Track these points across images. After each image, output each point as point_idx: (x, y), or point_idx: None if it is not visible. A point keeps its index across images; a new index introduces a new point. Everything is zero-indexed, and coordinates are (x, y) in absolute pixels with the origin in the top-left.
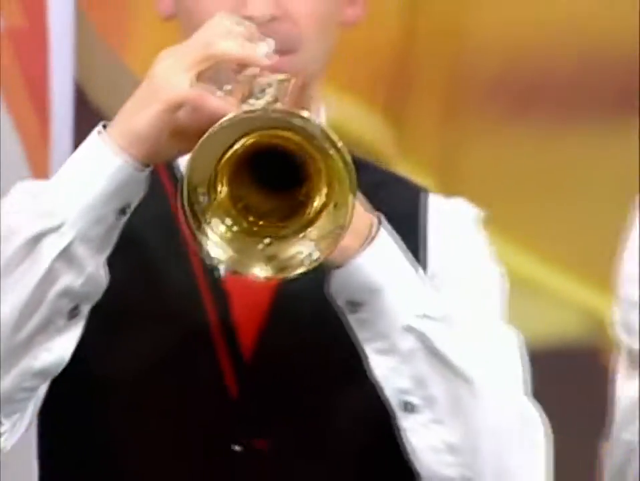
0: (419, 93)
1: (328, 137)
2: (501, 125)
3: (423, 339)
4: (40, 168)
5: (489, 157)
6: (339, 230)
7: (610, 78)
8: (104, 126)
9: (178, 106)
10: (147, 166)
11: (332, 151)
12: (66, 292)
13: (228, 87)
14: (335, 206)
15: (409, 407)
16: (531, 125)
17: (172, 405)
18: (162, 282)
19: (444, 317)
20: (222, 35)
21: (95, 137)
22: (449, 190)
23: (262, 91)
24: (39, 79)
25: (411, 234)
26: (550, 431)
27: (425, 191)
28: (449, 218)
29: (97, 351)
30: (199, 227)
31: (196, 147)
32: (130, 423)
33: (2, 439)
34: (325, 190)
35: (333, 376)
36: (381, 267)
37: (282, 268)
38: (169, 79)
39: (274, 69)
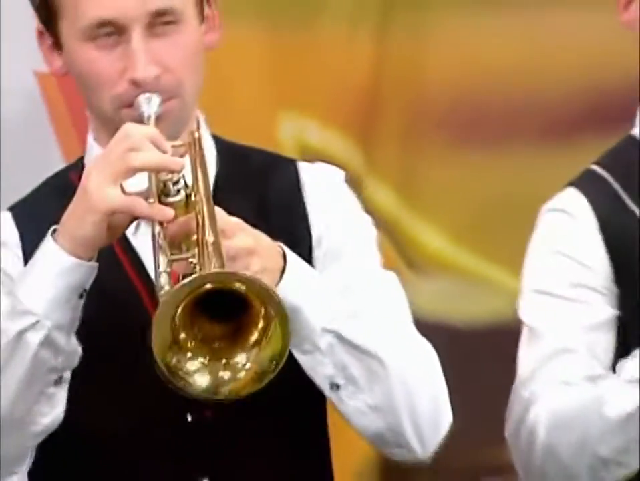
0: (385, 123)
1: (266, 291)
2: (450, 148)
3: (337, 335)
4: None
5: (441, 175)
6: (275, 361)
7: (538, 111)
8: (54, 231)
9: (112, 214)
10: (94, 257)
11: (266, 302)
12: (51, 370)
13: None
14: (269, 339)
15: (334, 387)
16: (475, 148)
17: (126, 384)
18: (111, 297)
19: (350, 313)
20: (134, 148)
21: (51, 241)
22: (409, 202)
23: (176, 185)
24: (80, 110)
25: (296, 205)
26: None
27: (294, 162)
28: (320, 183)
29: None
30: (180, 381)
31: (152, 331)
32: (91, 395)
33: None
34: (261, 324)
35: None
36: (295, 290)
37: (232, 380)
38: (100, 192)
39: (165, 113)
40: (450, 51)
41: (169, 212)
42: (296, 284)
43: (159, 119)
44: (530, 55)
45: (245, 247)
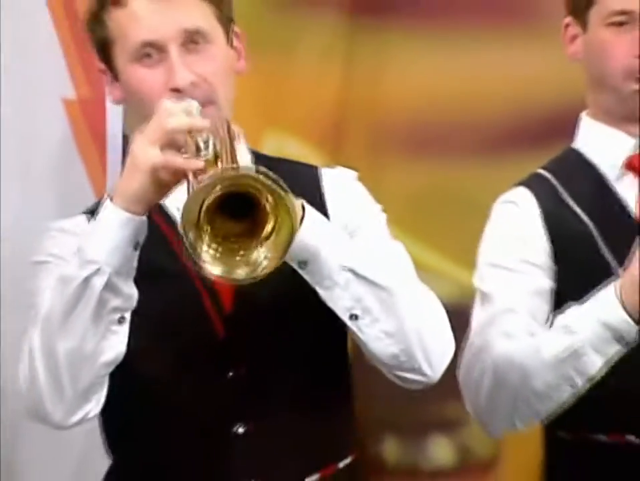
0: (353, 139)
1: (276, 183)
2: (407, 161)
3: (353, 271)
4: (99, 189)
5: (399, 182)
6: (286, 242)
7: (476, 130)
8: (108, 196)
9: (155, 170)
10: (145, 213)
11: (279, 191)
12: (113, 310)
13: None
14: (280, 228)
15: (354, 317)
16: (427, 160)
17: (173, 345)
18: (164, 271)
19: (362, 252)
20: (169, 115)
21: (108, 202)
22: None
23: (206, 143)
24: (100, 132)
25: (318, 199)
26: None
27: (316, 168)
28: (337, 182)
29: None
30: (197, 255)
31: (185, 203)
32: (149, 356)
33: (92, 413)
34: (273, 218)
35: (290, 317)
36: (314, 234)
37: (253, 270)
38: (143, 152)
39: (204, 117)
40: (407, 79)
41: (199, 163)
42: (314, 230)
43: (212, 133)
44: (471, 84)
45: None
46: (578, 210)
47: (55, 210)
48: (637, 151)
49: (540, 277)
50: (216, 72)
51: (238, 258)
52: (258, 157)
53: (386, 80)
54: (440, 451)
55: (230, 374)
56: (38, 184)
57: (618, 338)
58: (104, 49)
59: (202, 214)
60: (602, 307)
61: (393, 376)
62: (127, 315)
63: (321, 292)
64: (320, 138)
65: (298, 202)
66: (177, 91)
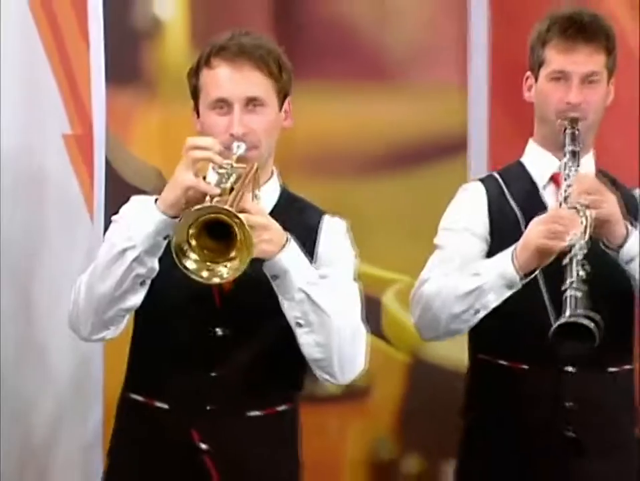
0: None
1: (244, 228)
2: (312, 178)
3: (307, 294)
4: (90, 204)
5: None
6: (241, 268)
7: (362, 156)
8: (156, 200)
9: (188, 189)
10: (176, 217)
11: (242, 228)
12: (138, 276)
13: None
14: (239, 258)
15: (298, 325)
16: (326, 180)
17: (185, 307)
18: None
19: (322, 284)
20: (204, 147)
21: (153, 203)
22: None
23: (227, 178)
24: (89, 161)
25: (313, 238)
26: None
27: (322, 213)
28: (332, 231)
29: (153, 285)
30: (183, 261)
31: (181, 219)
32: (159, 306)
33: (109, 336)
34: (238, 247)
35: (266, 308)
36: (289, 260)
37: (212, 277)
38: (181, 175)
39: (243, 160)
40: (309, 121)
41: (217, 190)
42: (290, 257)
43: (242, 160)
44: (354, 124)
45: (261, 223)
46: (513, 204)
47: (57, 218)
48: (559, 170)
49: (477, 242)
50: (264, 128)
51: (208, 263)
52: (283, 193)
53: (294, 121)
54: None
55: (219, 332)
56: (36, 211)
57: (509, 285)
58: (195, 95)
59: (192, 229)
60: (501, 263)
61: (315, 371)
62: (148, 281)
63: (281, 300)
64: None
65: (283, 234)
66: (232, 136)
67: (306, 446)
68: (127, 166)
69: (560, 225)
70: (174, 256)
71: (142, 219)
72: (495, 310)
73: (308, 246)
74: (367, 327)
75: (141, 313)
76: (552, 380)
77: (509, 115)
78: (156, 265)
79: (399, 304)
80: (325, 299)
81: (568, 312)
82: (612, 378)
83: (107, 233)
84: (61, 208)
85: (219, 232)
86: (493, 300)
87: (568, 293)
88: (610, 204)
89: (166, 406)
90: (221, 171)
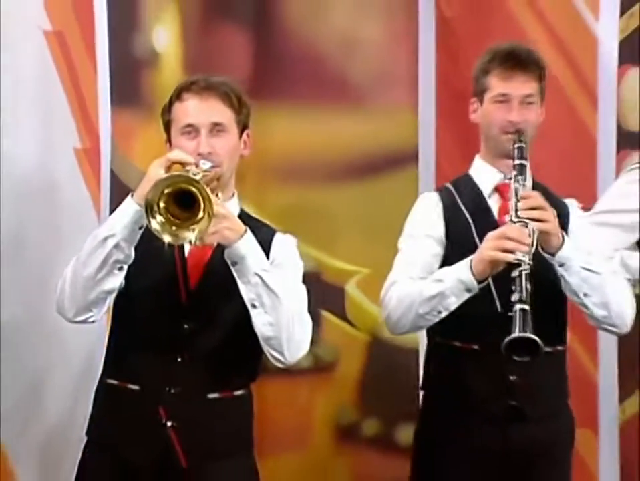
0: (249, 172)
1: (208, 198)
2: (286, 185)
3: (261, 278)
4: (96, 203)
5: (278, 201)
6: (203, 232)
7: (331, 167)
8: (132, 194)
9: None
10: None
11: (213, 200)
12: (117, 261)
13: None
14: (203, 223)
15: (252, 306)
16: (299, 186)
17: (156, 304)
18: (157, 254)
19: (273, 273)
20: (176, 153)
21: (129, 198)
22: (262, 211)
23: (196, 175)
24: (97, 171)
25: (266, 249)
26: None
27: (274, 231)
28: (282, 244)
29: (128, 276)
30: (150, 219)
31: (156, 182)
32: (133, 300)
33: (91, 319)
34: (202, 213)
35: (228, 300)
36: (246, 248)
37: (178, 239)
38: (153, 171)
39: (212, 172)
40: (283, 136)
41: None
42: (247, 244)
43: (206, 176)
44: (323, 137)
45: (223, 213)
46: (464, 210)
47: (69, 222)
48: (502, 181)
49: (435, 246)
50: (226, 150)
51: (173, 228)
52: (242, 213)
53: (269, 136)
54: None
55: (185, 326)
56: (50, 218)
57: (467, 289)
58: (167, 127)
59: (162, 195)
60: (461, 270)
61: (266, 350)
62: (125, 266)
63: (240, 283)
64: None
65: (242, 227)
66: (200, 155)
67: (281, 412)
68: (130, 176)
69: (510, 241)
70: (145, 213)
71: (121, 211)
72: None
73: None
74: (332, 311)
75: (117, 308)
76: (499, 358)
77: (453, 133)
78: (132, 252)
79: (360, 292)
80: (277, 284)
81: (517, 329)
82: (548, 357)
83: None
84: (73, 213)
85: (185, 205)
86: (454, 302)
87: (517, 307)
88: (552, 219)
89: (137, 388)
90: (188, 168)
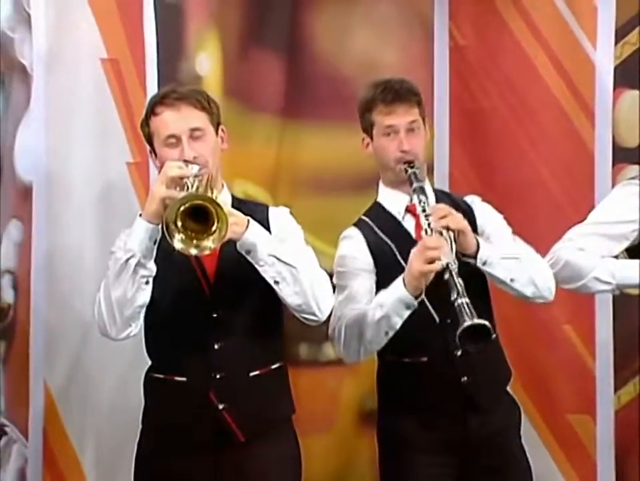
0: (282, 184)
1: (219, 207)
2: (314, 197)
3: (276, 257)
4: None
5: (304, 205)
6: (221, 238)
7: (352, 179)
8: (140, 214)
9: (163, 199)
10: (159, 223)
11: (222, 210)
12: (142, 277)
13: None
14: (220, 229)
15: (276, 283)
16: (328, 197)
17: (183, 300)
18: (174, 258)
19: (283, 248)
20: (171, 168)
21: (139, 217)
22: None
23: (192, 184)
24: (146, 183)
25: (265, 226)
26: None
27: (267, 207)
28: (278, 217)
29: (155, 289)
30: (172, 238)
31: (170, 205)
32: (167, 302)
33: (133, 333)
34: (216, 221)
35: (248, 285)
36: (255, 236)
37: (202, 249)
38: (156, 189)
39: (200, 175)
40: (312, 151)
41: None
42: (254, 233)
43: (197, 177)
44: (348, 153)
45: (227, 210)
46: (385, 237)
47: (122, 228)
48: (410, 203)
49: (369, 276)
50: (208, 151)
51: (194, 241)
52: (234, 198)
53: (300, 152)
54: (330, 351)
55: (213, 315)
56: (106, 227)
57: (407, 306)
58: (149, 140)
59: (178, 215)
60: (397, 290)
61: (300, 317)
62: (151, 279)
63: (258, 268)
64: (265, 184)
65: (244, 218)
66: (186, 161)
67: (310, 398)
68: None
69: (432, 251)
70: (166, 234)
71: (134, 232)
72: None
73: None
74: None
75: (149, 312)
76: (448, 364)
77: (465, 148)
78: (154, 266)
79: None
80: (291, 257)
81: (467, 318)
82: (487, 350)
83: (109, 262)
84: (125, 220)
85: (198, 217)
86: (397, 321)
87: (458, 301)
88: (460, 220)
89: (184, 379)
90: (185, 181)
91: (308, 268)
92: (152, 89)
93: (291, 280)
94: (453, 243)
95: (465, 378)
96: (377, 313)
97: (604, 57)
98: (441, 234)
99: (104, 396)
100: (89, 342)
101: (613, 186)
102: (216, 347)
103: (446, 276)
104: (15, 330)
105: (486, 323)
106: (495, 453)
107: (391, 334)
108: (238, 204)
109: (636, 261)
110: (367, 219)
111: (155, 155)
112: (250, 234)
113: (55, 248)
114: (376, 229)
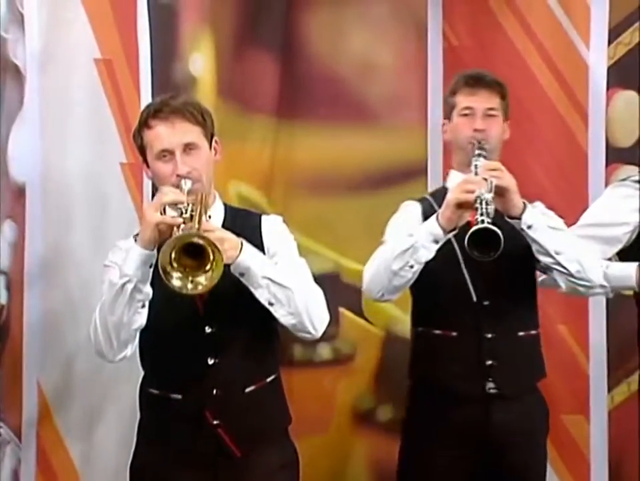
0: (277, 184)
1: (213, 244)
2: (311, 196)
3: (270, 279)
4: (140, 212)
5: (305, 206)
6: (216, 278)
7: (354, 178)
8: (135, 238)
9: (157, 225)
10: (154, 248)
11: (217, 250)
12: (139, 301)
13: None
14: (215, 266)
15: (270, 304)
16: (324, 197)
17: (176, 316)
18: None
19: (277, 268)
20: (166, 194)
21: (134, 243)
22: (288, 218)
23: (186, 210)
24: (140, 184)
25: (258, 236)
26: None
27: (260, 215)
28: (271, 226)
29: (150, 309)
30: (167, 277)
31: (163, 248)
32: (162, 321)
33: (129, 353)
34: (212, 259)
35: (242, 303)
36: (248, 259)
37: (196, 285)
38: (150, 215)
39: (191, 193)
40: (307, 151)
41: (180, 220)
42: (247, 256)
43: (190, 193)
44: (343, 153)
45: (220, 236)
46: None
47: (115, 227)
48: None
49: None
50: (202, 165)
51: (190, 278)
52: (227, 209)
53: (295, 152)
54: (324, 351)
55: (208, 331)
56: (103, 227)
57: (435, 240)
58: (142, 151)
59: (173, 254)
60: (429, 223)
61: (296, 334)
62: (147, 303)
63: (252, 290)
64: (260, 185)
65: (238, 240)
66: (179, 176)
67: (306, 399)
68: None
69: (470, 184)
70: (163, 276)
71: (130, 258)
72: (430, 291)
73: (257, 243)
74: (350, 308)
75: (144, 329)
76: (475, 344)
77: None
78: (149, 290)
79: None
80: (284, 278)
81: (481, 223)
82: (521, 340)
83: (104, 276)
84: (120, 222)
85: (193, 252)
86: (424, 255)
87: (480, 219)
88: (508, 177)
89: (179, 396)
90: (179, 206)
91: (302, 288)
92: (146, 89)
93: (285, 302)
94: (493, 187)
95: (491, 361)
96: (405, 242)
97: (598, 57)
98: (485, 179)
99: (97, 397)
100: (83, 343)
101: (607, 186)
102: (210, 363)
103: (477, 204)
104: (8, 331)
105: (496, 229)
106: (518, 450)
107: (416, 268)
108: (231, 213)
109: (630, 264)
110: (429, 197)
111: (148, 165)
112: (244, 257)
113: (49, 249)
114: (435, 206)
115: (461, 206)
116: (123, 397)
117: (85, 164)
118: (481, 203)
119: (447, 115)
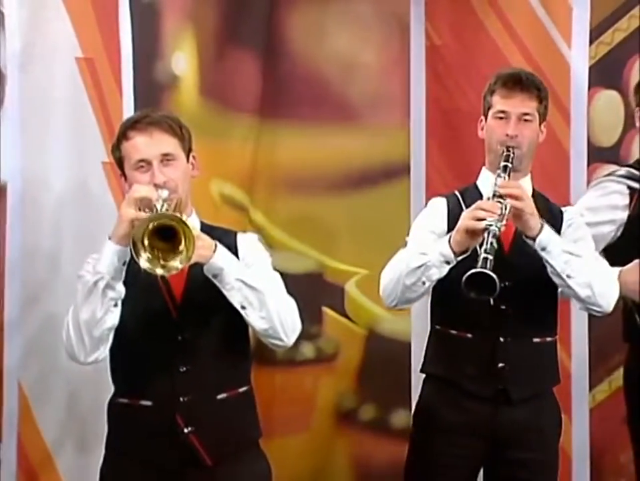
0: (259, 183)
1: (185, 224)
2: (292, 195)
3: (243, 282)
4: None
5: (286, 205)
6: (188, 258)
7: (335, 177)
8: (109, 236)
9: (131, 221)
10: (128, 245)
11: (188, 229)
12: (111, 299)
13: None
14: (187, 249)
15: (243, 308)
16: (305, 196)
17: (149, 322)
18: (142, 280)
19: (251, 272)
20: (137, 190)
21: (108, 240)
22: (270, 218)
23: (162, 207)
24: (121, 183)
25: (234, 252)
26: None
27: (235, 233)
28: (246, 242)
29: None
30: (138, 257)
31: (137, 225)
32: (133, 325)
33: (101, 356)
34: (184, 241)
35: (214, 308)
36: (222, 260)
37: (169, 269)
38: (124, 211)
39: (167, 202)
40: (289, 150)
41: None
42: (221, 257)
43: (166, 201)
44: (325, 152)
45: (196, 234)
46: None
47: (97, 225)
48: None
49: (433, 238)
50: (178, 177)
51: (161, 262)
52: (203, 224)
53: (277, 152)
54: (306, 350)
55: (179, 338)
56: (84, 228)
57: (446, 261)
58: (120, 164)
59: (145, 234)
60: (441, 244)
61: (266, 341)
62: (119, 302)
63: (225, 292)
64: (242, 184)
65: (212, 242)
66: (156, 185)
67: (288, 398)
68: None
69: (482, 211)
70: (133, 255)
71: (104, 254)
72: (448, 292)
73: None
74: (333, 308)
75: (114, 334)
76: (489, 346)
77: (441, 149)
78: (122, 288)
79: (359, 291)
80: (257, 282)
81: (480, 266)
82: (535, 346)
83: (78, 285)
84: (102, 220)
85: (166, 237)
86: (435, 273)
87: (482, 255)
88: (526, 200)
89: (150, 403)
90: (153, 203)
91: (275, 294)
92: (128, 88)
93: (258, 305)
94: (507, 213)
95: (502, 364)
96: (418, 260)
97: (579, 56)
98: (500, 203)
99: (79, 397)
100: (63, 343)
101: (588, 185)
102: (182, 369)
103: (484, 234)
104: None
105: (492, 275)
106: (524, 448)
107: (427, 285)
108: (207, 229)
109: (614, 269)
110: (458, 194)
111: (126, 179)
112: (218, 258)
113: (29, 249)
114: (462, 203)
115: (471, 232)
116: (106, 395)
117: (66, 163)
118: (488, 234)
119: (485, 112)
